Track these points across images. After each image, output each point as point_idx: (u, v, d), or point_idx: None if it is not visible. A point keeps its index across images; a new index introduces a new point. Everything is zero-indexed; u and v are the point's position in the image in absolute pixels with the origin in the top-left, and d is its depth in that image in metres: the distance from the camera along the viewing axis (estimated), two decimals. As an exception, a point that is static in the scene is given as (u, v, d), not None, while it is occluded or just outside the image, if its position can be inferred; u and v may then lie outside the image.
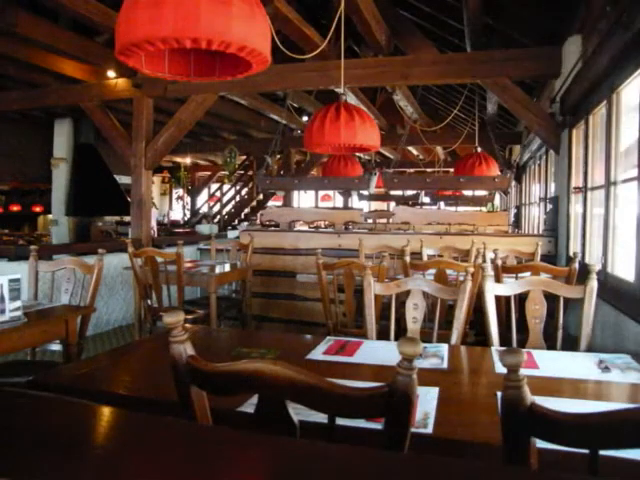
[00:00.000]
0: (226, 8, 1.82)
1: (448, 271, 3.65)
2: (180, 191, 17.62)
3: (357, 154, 9.77)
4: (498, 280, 3.41)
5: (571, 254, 4.25)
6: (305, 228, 8.49)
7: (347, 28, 5.30)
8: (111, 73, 6.54)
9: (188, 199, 16.93)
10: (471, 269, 2.43)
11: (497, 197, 12.87)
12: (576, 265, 3.45)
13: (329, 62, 5.74)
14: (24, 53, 6.15)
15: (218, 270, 4.81)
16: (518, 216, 10.19)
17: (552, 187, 5.99)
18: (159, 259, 4.31)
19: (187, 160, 15.93)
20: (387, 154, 12.93)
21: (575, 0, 4.43)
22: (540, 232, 6.99)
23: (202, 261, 5.93)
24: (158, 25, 1.79)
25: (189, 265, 4.92)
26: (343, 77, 4.32)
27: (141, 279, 4.36)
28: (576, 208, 4.72)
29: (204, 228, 9.26)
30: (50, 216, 11.10)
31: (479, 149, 7.04)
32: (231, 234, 8.92)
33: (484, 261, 3.98)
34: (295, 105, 8.87)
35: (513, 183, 10.21)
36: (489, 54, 5.29)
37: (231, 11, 1.82)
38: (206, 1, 1.79)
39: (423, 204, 12.66)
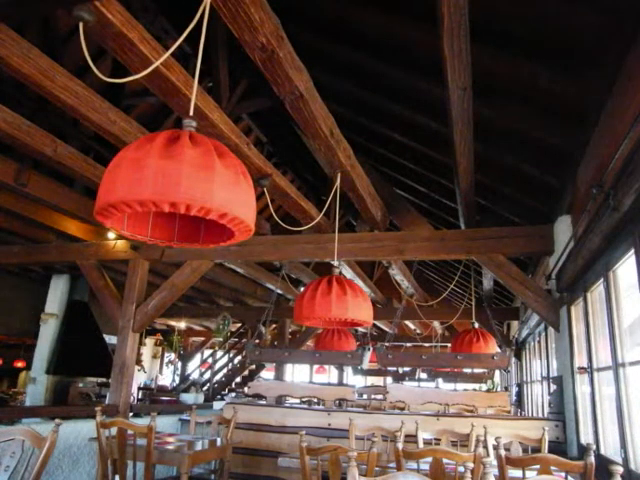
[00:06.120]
0: (209, 174, 1.79)
1: (445, 460, 3.27)
2: (172, 355, 17.14)
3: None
4: (502, 474, 3.03)
5: (582, 441, 3.85)
6: (297, 401, 7.99)
7: (345, 203, 5.49)
8: (112, 234, 6.65)
9: (180, 364, 16.40)
10: (470, 464, 2.12)
11: (497, 373, 12.44)
12: (592, 459, 3.07)
13: (324, 235, 5.85)
14: (31, 211, 6.31)
15: (195, 446, 4.37)
16: (520, 395, 9.69)
17: (554, 364, 5.72)
18: (130, 431, 3.92)
19: (182, 324, 15.74)
20: (384, 327, 12.74)
21: (561, 182, 4.59)
22: (545, 415, 6.54)
23: (180, 435, 5.46)
24: (137, 187, 1.75)
25: (165, 440, 4.50)
26: (337, 251, 4.35)
27: (105, 454, 3.92)
28: (582, 389, 4.40)
29: (188, 397, 8.74)
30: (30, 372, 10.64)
31: (476, 324, 6.88)
32: (217, 405, 8.39)
33: (485, 447, 3.62)
34: (293, 276, 8.93)
35: (513, 360, 9.88)
36: (482, 232, 5.39)
37: (213, 178, 1.79)
38: (189, 166, 1.77)
39: (420, 379, 12.20)
